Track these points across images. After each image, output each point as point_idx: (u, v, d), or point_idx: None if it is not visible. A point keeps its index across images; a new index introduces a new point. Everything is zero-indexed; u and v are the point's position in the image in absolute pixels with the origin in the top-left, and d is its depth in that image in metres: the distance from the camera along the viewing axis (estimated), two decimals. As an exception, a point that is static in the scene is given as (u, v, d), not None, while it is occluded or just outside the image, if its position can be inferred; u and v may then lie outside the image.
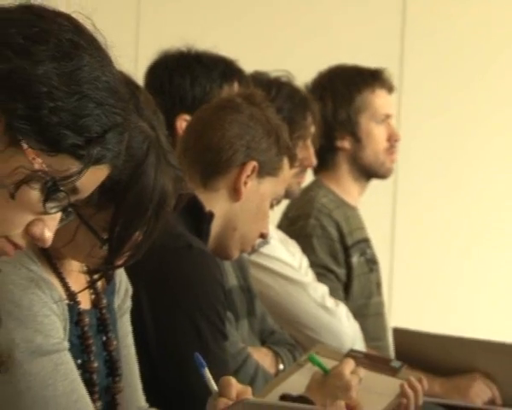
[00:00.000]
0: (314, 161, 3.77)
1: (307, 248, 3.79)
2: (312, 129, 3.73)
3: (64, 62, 1.74)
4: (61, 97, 1.73)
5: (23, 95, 1.72)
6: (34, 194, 1.72)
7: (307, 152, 3.68)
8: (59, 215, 1.77)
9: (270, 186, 2.93)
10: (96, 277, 2.28)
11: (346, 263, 3.93)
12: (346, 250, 3.94)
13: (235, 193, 2.87)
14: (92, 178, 1.79)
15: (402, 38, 5.68)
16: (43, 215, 1.75)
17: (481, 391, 3.67)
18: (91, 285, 2.32)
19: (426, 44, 5.67)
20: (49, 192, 1.73)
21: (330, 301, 3.65)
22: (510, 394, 3.67)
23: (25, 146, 1.71)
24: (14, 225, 1.75)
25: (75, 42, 1.78)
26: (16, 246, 1.77)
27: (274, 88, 3.55)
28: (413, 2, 5.72)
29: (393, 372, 2.85)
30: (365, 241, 4.08)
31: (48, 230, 1.76)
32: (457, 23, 5.69)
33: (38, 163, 1.71)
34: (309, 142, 3.70)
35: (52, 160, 1.72)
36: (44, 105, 1.72)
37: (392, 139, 4.09)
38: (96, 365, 2.30)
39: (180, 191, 2.26)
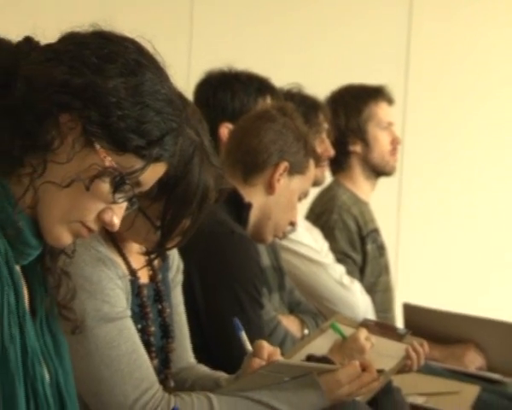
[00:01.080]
0: (331, 151, 3.77)
1: (330, 238, 3.80)
2: (325, 125, 3.74)
3: (130, 78, 1.76)
4: (127, 107, 1.75)
5: (96, 105, 1.74)
6: (105, 186, 1.75)
7: (324, 145, 3.68)
8: (125, 205, 1.79)
9: (299, 183, 2.93)
10: (152, 256, 2.30)
11: (362, 250, 3.94)
12: (362, 239, 3.96)
13: (269, 188, 2.87)
14: (152, 174, 1.81)
15: (407, 55, 5.65)
16: (112, 204, 1.77)
17: (474, 359, 3.67)
18: (149, 264, 2.33)
19: (429, 59, 5.63)
20: (117, 185, 1.75)
21: (346, 279, 3.66)
22: (496, 361, 3.67)
23: (97, 147, 1.74)
24: (88, 212, 1.77)
25: (138, 61, 1.80)
26: (90, 230, 1.79)
27: (288, 99, 3.55)
28: (418, 23, 5.66)
29: (399, 338, 2.84)
30: (376, 231, 4.08)
31: (116, 217, 1.78)
32: (459, 40, 5.63)
33: (109, 161, 1.74)
34: (324, 135, 3.70)
35: (120, 158, 1.75)
36: (113, 113, 1.74)
37: (395, 142, 4.12)
38: (152, 329, 2.32)
39: (221, 187, 2.27)
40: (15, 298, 1.73)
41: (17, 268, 1.77)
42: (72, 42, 1.81)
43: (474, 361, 3.66)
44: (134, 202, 1.82)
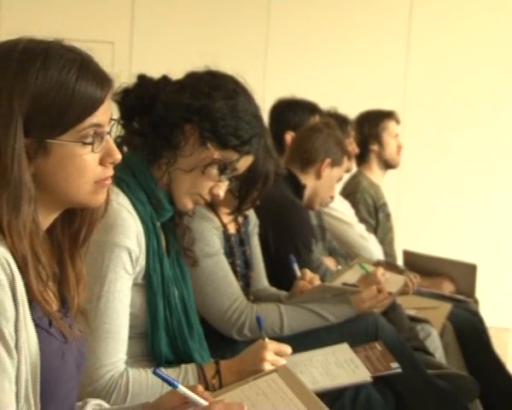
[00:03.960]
0: (356, 149, 3.74)
1: (356, 209, 3.75)
2: (352, 132, 3.67)
3: (229, 101, 1.77)
4: (228, 119, 1.76)
5: (208, 119, 1.75)
6: (214, 171, 1.76)
7: (352, 146, 3.61)
8: (227, 182, 1.81)
9: (337, 172, 2.89)
10: (234, 215, 2.27)
11: (375, 217, 3.90)
12: (376, 210, 3.91)
13: (318, 175, 2.84)
14: (244, 163, 1.82)
15: (405, 87, 5.56)
16: (218, 182, 1.78)
17: (448, 286, 3.63)
18: (235, 219, 2.31)
19: (420, 95, 5.54)
20: (222, 170, 1.77)
21: (366, 234, 3.60)
22: (461, 288, 3.62)
23: (209, 146, 1.75)
24: (203, 188, 1.78)
25: (235, 89, 1.80)
26: (204, 200, 1.80)
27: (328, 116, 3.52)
28: (414, 64, 5.57)
29: (401, 272, 2.80)
30: (385, 204, 4.01)
31: (221, 190, 1.80)
32: (447, 82, 5.54)
33: (216, 155, 1.75)
34: (351, 139, 3.63)
35: (223, 153, 1.76)
36: (219, 124, 1.75)
37: (399, 147, 4.06)
38: (238, 262, 2.30)
39: (278, 172, 2.23)
40: (157, 243, 1.74)
41: (158, 224, 1.78)
42: (193, 78, 1.82)
43: (448, 288, 3.61)
44: (232, 181, 1.82)
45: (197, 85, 1.77)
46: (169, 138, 1.74)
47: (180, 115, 1.73)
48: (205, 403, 1.32)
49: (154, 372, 1.35)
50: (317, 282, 2.30)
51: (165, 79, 1.83)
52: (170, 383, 1.33)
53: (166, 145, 1.74)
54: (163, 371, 1.38)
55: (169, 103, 1.75)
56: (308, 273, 2.31)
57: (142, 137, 1.76)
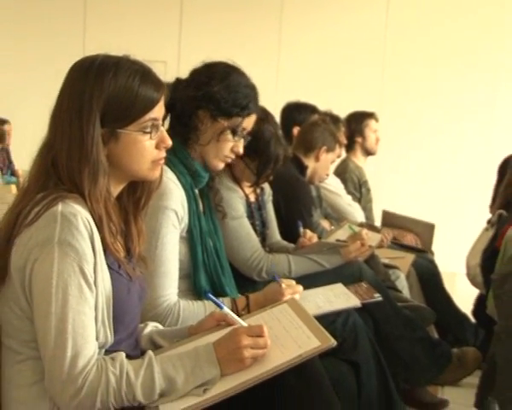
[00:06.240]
0: (345, 140, 3.64)
1: (345, 185, 3.70)
2: (342, 128, 3.57)
3: (223, 82, 1.70)
4: (226, 96, 1.69)
5: (211, 101, 1.69)
6: (229, 136, 1.71)
7: (342, 138, 3.51)
8: (242, 141, 1.74)
9: (331, 156, 2.85)
10: (254, 187, 2.22)
11: (359, 191, 3.85)
12: (360, 186, 3.86)
13: (316, 159, 2.80)
14: (248, 122, 1.75)
15: (381, 94, 5.48)
16: (236, 142, 1.73)
17: (413, 240, 3.57)
18: (254, 191, 2.27)
19: (394, 103, 5.47)
20: (234, 132, 1.71)
21: (352, 202, 3.56)
22: (423, 242, 3.55)
23: (219, 119, 1.69)
24: (226, 149, 1.73)
25: (226, 70, 1.72)
26: (230, 158, 1.75)
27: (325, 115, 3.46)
28: (390, 66, 5.48)
29: (378, 231, 2.76)
30: (366, 181, 3.95)
31: (240, 148, 1.74)
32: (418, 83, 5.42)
33: (226, 124, 1.69)
34: (341, 132, 3.52)
35: (230, 121, 1.70)
36: (221, 102, 1.68)
37: (377, 140, 3.97)
38: (257, 222, 2.27)
39: (286, 155, 2.19)
40: (196, 206, 1.71)
41: (196, 191, 1.75)
42: (194, 73, 1.75)
43: (413, 241, 3.56)
44: (246, 138, 1.76)
45: (198, 78, 1.72)
46: (189, 124, 1.71)
47: (192, 105, 1.70)
48: (244, 323, 1.31)
49: (207, 296, 1.40)
50: (316, 239, 2.28)
51: (177, 80, 1.77)
52: (218, 305, 1.36)
53: (189, 130, 1.72)
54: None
55: (182, 99, 1.71)
56: (308, 233, 2.30)
57: (173, 128, 1.73)
